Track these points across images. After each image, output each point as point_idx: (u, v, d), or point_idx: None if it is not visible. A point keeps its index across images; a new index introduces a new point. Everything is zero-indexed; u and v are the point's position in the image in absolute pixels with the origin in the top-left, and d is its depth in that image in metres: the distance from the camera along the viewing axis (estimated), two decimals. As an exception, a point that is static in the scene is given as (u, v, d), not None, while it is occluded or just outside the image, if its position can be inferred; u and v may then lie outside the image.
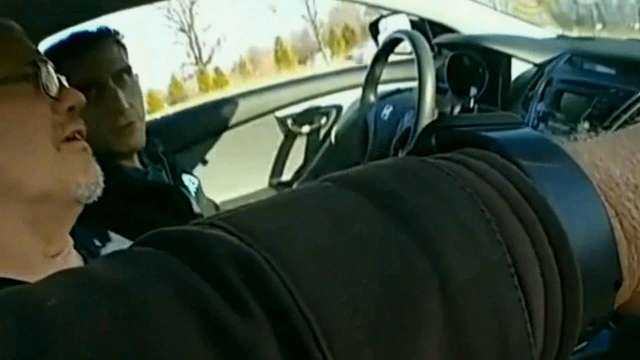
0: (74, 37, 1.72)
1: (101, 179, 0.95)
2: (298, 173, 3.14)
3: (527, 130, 0.36)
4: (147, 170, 1.76)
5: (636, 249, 0.33)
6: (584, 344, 0.33)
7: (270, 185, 3.10)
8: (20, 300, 0.25)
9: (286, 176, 3.12)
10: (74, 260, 0.97)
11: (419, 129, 0.37)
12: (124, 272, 0.27)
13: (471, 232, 0.29)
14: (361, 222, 0.28)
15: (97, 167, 0.96)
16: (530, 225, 0.29)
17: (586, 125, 1.53)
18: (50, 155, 0.88)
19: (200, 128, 2.88)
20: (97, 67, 1.66)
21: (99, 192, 0.94)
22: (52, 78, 0.94)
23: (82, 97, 0.96)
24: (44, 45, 1.85)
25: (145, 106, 1.81)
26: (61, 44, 1.72)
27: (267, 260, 0.25)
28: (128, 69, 1.73)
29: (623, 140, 0.36)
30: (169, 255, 0.27)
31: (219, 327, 0.24)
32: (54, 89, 0.93)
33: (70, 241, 0.98)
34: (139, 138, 1.71)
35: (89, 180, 0.92)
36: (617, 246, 0.32)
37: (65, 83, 0.98)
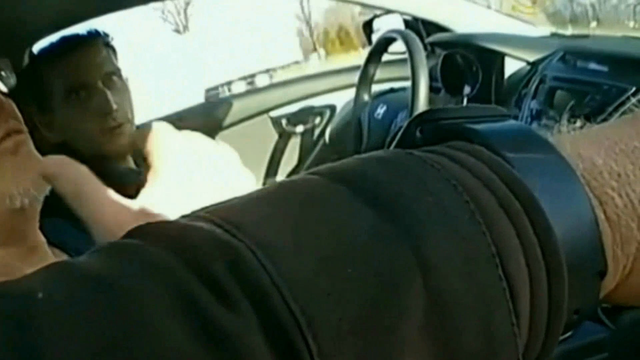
0: (64, 39, 1.73)
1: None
2: (292, 173, 3.14)
3: (512, 122, 0.36)
4: (140, 170, 1.76)
5: (620, 237, 0.33)
6: (570, 333, 0.33)
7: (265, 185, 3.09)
8: (4, 294, 0.25)
9: (280, 176, 3.12)
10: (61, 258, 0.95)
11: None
12: (111, 265, 0.27)
13: (455, 223, 0.29)
14: (346, 215, 0.29)
15: (33, 167, 0.87)
16: (515, 216, 0.30)
17: (579, 122, 1.53)
18: None
19: (194, 129, 2.86)
20: (86, 69, 1.67)
21: (44, 191, 0.87)
22: None
23: None
24: (37, 47, 1.85)
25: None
26: (51, 46, 1.73)
27: (253, 252, 0.26)
28: (117, 71, 1.73)
29: (606, 131, 0.36)
30: (156, 247, 0.27)
31: (205, 319, 0.24)
32: None
33: (43, 238, 0.95)
34: (128, 140, 1.71)
35: (20, 188, 0.86)
36: (601, 235, 0.32)
37: None
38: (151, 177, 0.56)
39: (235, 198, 0.31)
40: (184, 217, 0.30)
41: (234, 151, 0.62)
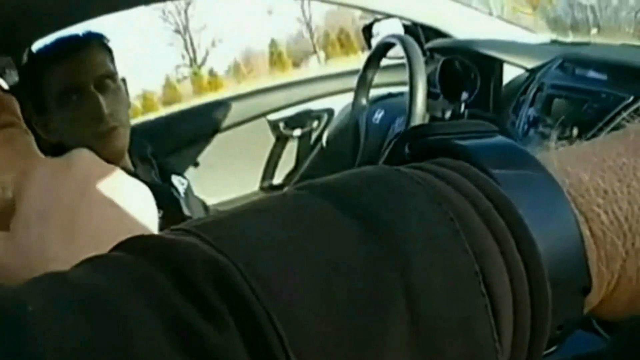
0: (59, 41, 1.73)
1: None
2: (289, 176, 3.15)
3: (500, 138, 0.36)
4: (136, 170, 1.76)
5: (605, 254, 0.33)
6: (553, 348, 0.33)
7: (262, 188, 3.11)
8: None
9: (277, 179, 3.13)
10: None
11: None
12: (100, 279, 0.27)
13: (439, 241, 0.29)
14: (332, 232, 0.29)
15: (27, 158, 0.88)
16: (500, 233, 0.30)
17: (575, 131, 1.54)
18: None
19: (192, 130, 2.89)
20: (79, 72, 1.66)
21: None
22: None
23: None
24: (35, 47, 1.86)
25: (139, 107, 1.82)
26: (47, 47, 1.73)
27: (238, 268, 0.26)
28: (111, 74, 1.73)
29: (595, 147, 0.36)
30: (145, 263, 0.27)
31: (191, 335, 0.24)
32: None
33: None
34: (122, 143, 1.72)
35: (12, 177, 0.85)
36: (586, 252, 0.32)
37: None
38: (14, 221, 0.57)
39: (225, 212, 0.32)
40: (174, 229, 0.30)
41: (138, 186, 0.64)
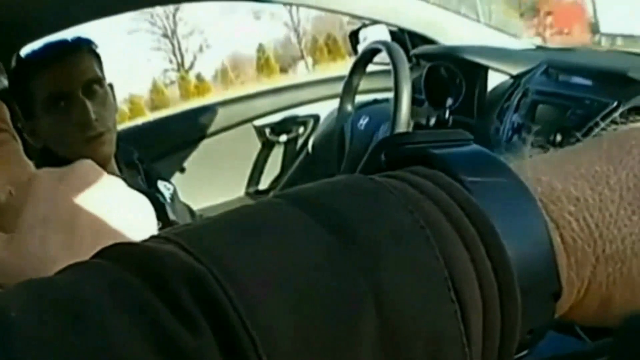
0: (47, 46, 1.73)
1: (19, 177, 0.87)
2: (275, 182, 3.15)
3: (474, 147, 0.37)
4: (123, 176, 1.76)
5: (576, 261, 0.34)
6: (524, 352, 0.34)
7: (247, 193, 3.11)
8: None
9: (263, 185, 3.13)
10: None
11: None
12: (82, 286, 0.27)
13: (410, 249, 0.30)
14: (304, 240, 0.30)
15: (14, 165, 0.86)
16: (470, 240, 0.30)
17: (558, 137, 1.55)
18: None
19: (178, 136, 2.89)
20: (67, 78, 1.66)
21: (24, 190, 0.87)
22: None
23: None
24: (24, 52, 1.85)
25: (126, 111, 1.82)
26: (34, 53, 1.73)
27: (215, 276, 0.27)
28: (99, 80, 1.72)
29: (569, 155, 0.37)
30: (125, 270, 0.28)
31: (167, 339, 0.25)
32: None
33: None
34: (109, 148, 1.72)
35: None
36: (556, 258, 0.33)
37: None
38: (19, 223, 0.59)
39: (203, 220, 0.33)
40: (154, 237, 0.31)
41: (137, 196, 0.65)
